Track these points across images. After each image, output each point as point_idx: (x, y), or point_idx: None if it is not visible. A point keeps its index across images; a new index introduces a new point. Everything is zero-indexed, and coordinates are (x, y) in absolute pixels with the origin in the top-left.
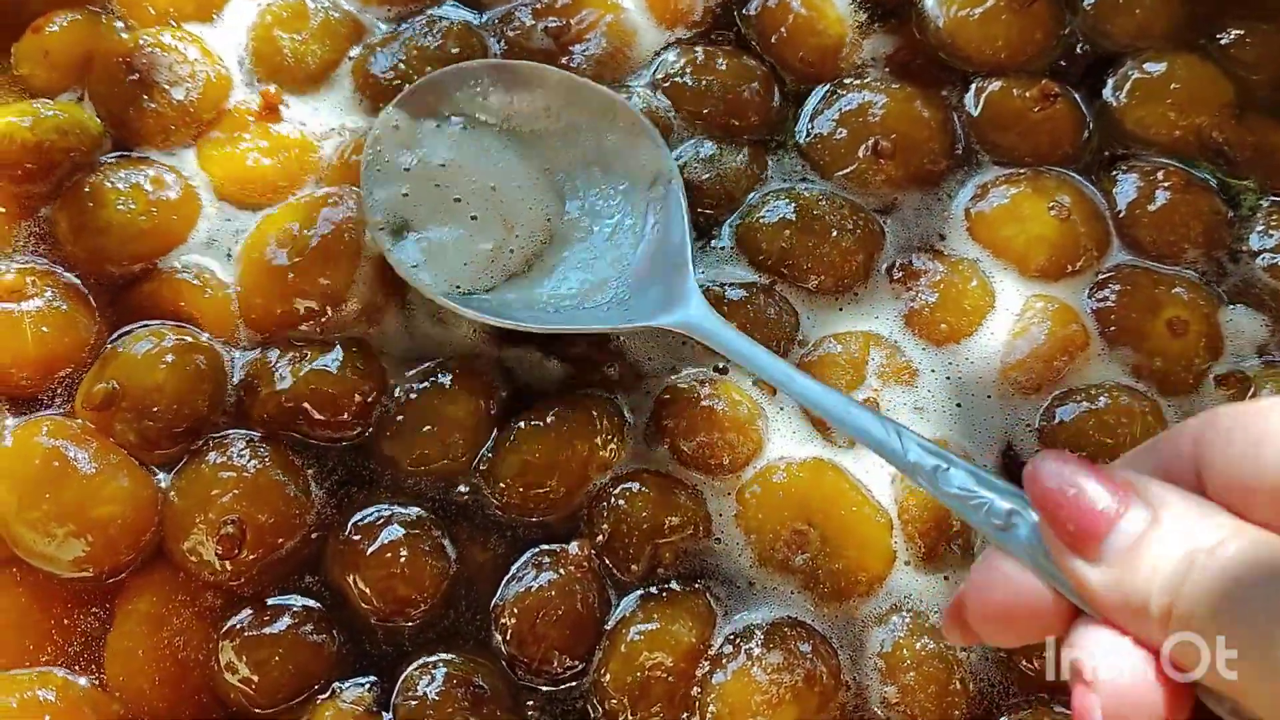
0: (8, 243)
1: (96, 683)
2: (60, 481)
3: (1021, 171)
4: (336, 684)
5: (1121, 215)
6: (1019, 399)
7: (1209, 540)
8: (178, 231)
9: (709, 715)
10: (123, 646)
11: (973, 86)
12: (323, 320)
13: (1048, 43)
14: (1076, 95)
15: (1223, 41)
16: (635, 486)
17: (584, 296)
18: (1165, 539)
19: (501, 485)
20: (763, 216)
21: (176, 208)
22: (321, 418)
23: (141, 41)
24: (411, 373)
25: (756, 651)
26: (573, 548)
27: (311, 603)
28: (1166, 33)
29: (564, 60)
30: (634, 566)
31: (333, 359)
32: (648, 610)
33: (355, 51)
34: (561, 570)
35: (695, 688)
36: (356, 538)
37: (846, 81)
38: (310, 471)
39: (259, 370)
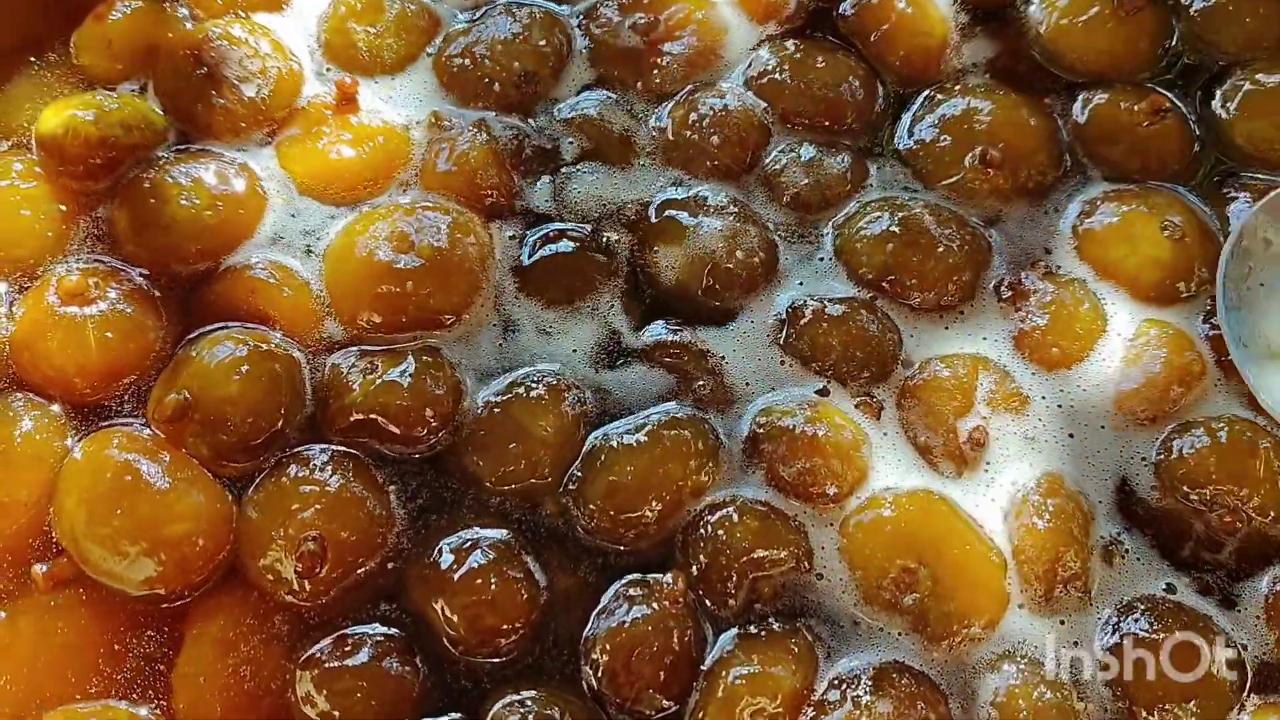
0: (67, 242)
1: (160, 712)
2: (132, 497)
3: (1130, 187)
4: None
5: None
6: (1134, 430)
7: None
8: (245, 226)
9: None
10: (190, 673)
11: (1079, 96)
12: (433, 332)
13: (1153, 52)
14: (1184, 108)
15: None
16: (734, 515)
17: None
18: None
19: (591, 508)
20: (863, 228)
21: (242, 202)
22: (395, 430)
23: (210, 33)
24: (496, 384)
25: (865, 699)
26: (668, 580)
27: (393, 631)
28: (1279, 43)
29: (652, 59)
30: (731, 601)
31: (405, 370)
32: (747, 650)
33: (434, 45)
34: (656, 604)
35: None
36: (442, 561)
37: (949, 86)
38: (392, 489)
39: (331, 381)
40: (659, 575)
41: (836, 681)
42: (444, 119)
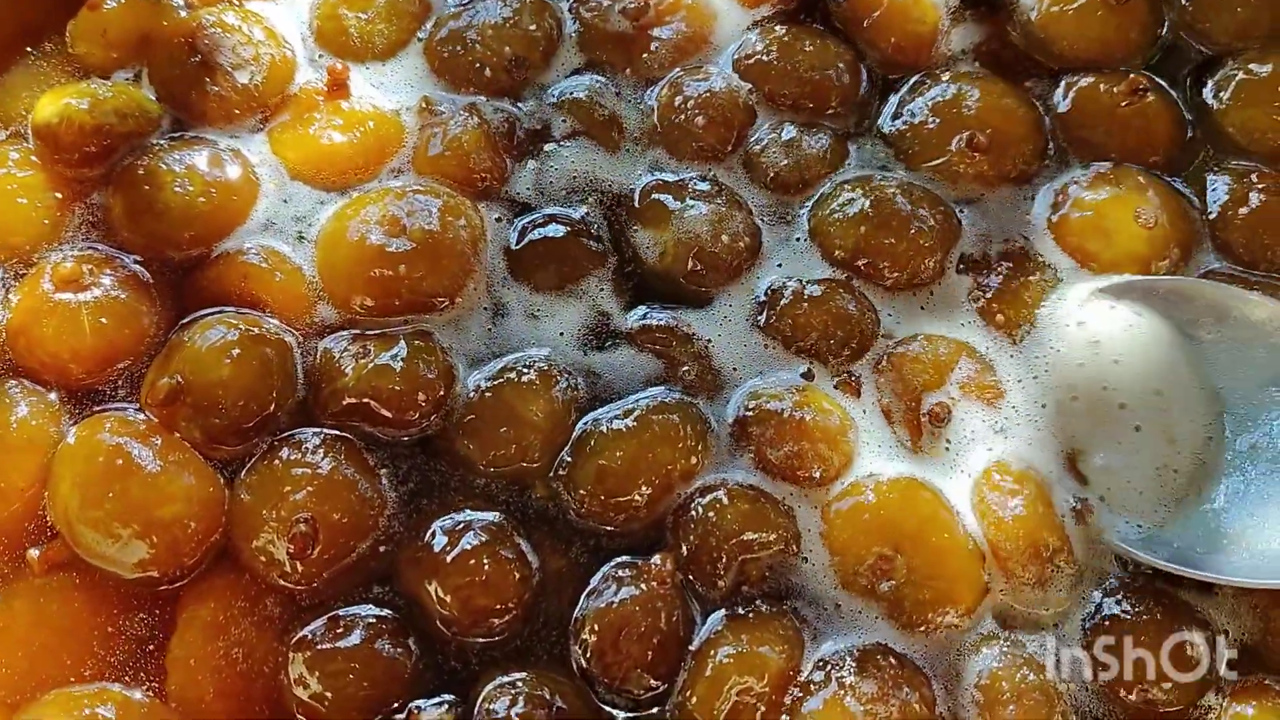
0: (63, 229)
1: (153, 694)
2: (124, 480)
3: (1104, 169)
4: (415, 704)
5: (1213, 218)
6: None
7: None
8: (238, 212)
9: None
10: (184, 656)
11: (1062, 81)
12: (425, 316)
13: (1144, 40)
14: (1175, 95)
15: None
16: (724, 498)
17: None
18: None
19: (581, 492)
20: (834, 210)
21: (235, 188)
22: (387, 414)
23: (204, 21)
24: (488, 369)
25: (849, 680)
26: (656, 561)
27: (385, 612)
28: (1271, 32)
29: (642, 44)
30: (720, 583)
31: (396, 354)
32: (735, 631)
33: (424, 30)
34: (644, 585)
35: (784, 716)
36: (435, 543)
37: (938, 71)
38: (384, 472)
39: (323, 365)
40: (648, 557)
41: (821, 663)
42: (435, 104)
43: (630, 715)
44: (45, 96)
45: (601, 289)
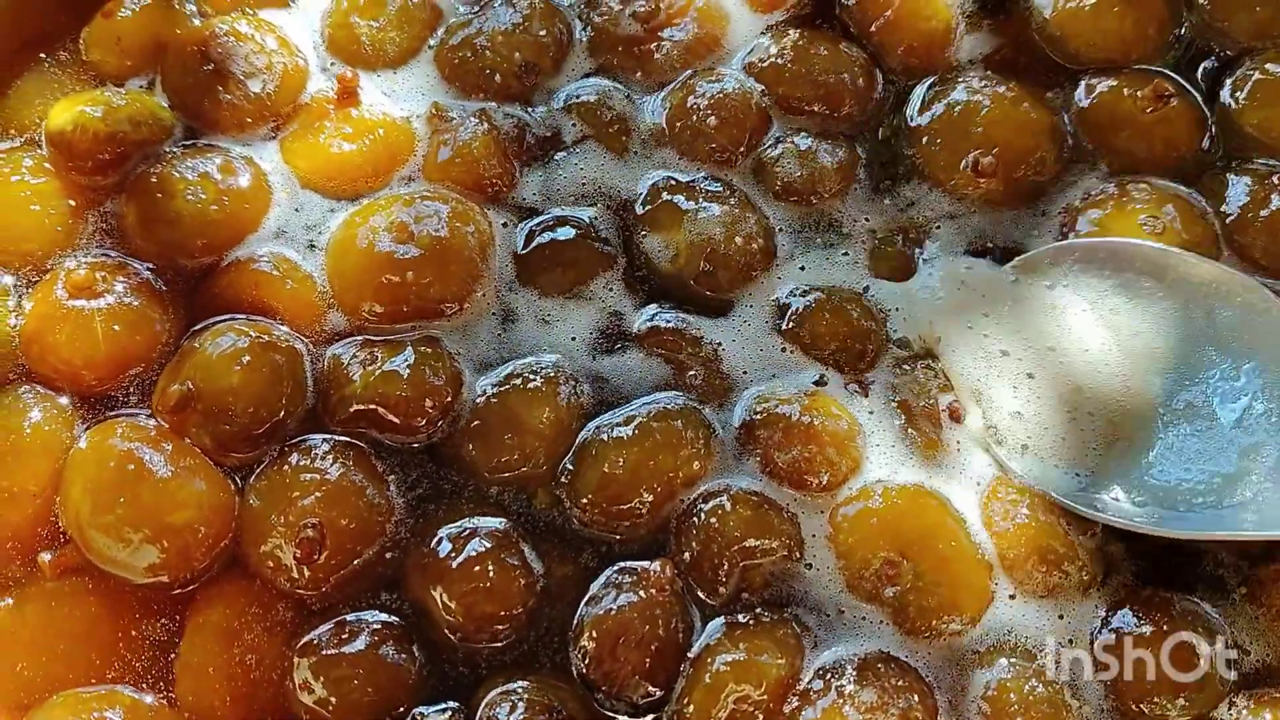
0: (76, 237)
1: (164, 700)
2: (135, 485)
3: (1108, 189)
4: (418, 710)
5: (1231, 221)
6: None
7: None
8: (250, 220)
9: None
10: (193, 661)
11: (1082, 84)
12: (434, 322)
13: (1161, 39)
14: (1196, 96)
15: None
16: (727, 504)
17: (1218, 493)
18: None
19: (584, 500)
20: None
21: (247, 196)
22: (395, 420)
23: (217, 29)
24: (494, 375)
25: (849, 689)
26: (654, 567)
27: (391, 619)
28: None
29: (652, 46)
30: (721, 589)
31: (404, 360)
32: (734, 638)
33: (435, 38)
34: (643, 591)
35: None
36: (441, 549)
37: (950, 79)
38: (392, 479)
39: (332, 372)
40: (647, 563)
41: (822, 671)
42: (445, 110)
43: None
44: (59, 104)
45: (610, 291)
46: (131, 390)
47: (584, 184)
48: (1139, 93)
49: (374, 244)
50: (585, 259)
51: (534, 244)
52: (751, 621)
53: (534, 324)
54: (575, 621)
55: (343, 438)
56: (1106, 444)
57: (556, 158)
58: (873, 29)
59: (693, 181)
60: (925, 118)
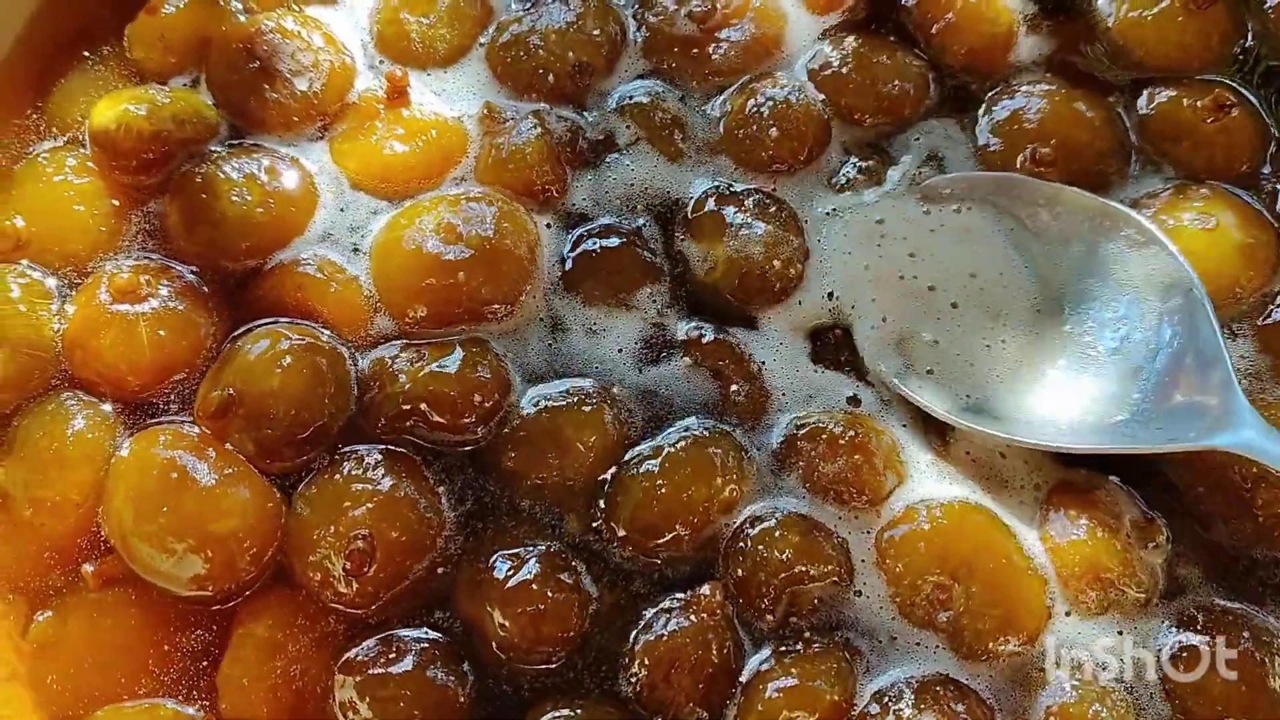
0: (119, 238)
1: (207, 714)
2: (178, 494)
3: (1166, 189)
4: None
5: None
6: None
7: None
8: (295, 223)
9: None
10: (236, 674)
11: (1144, 93)
12: (482, 326)
13: (1225, 49)
14: (1259, 106)
15: None
16: (775, 529)
17: (1099, 414)
18: None
19: (621, 533)
20: None
21: (293, 198)
22: (442, 419)
23: (263, 26)
24: (544, 389)
25: (907, 713)
26: (705, 591)
27: (439, 637)
28: None
29: (709, 48)
30: (770, 615)
31: (453, 358)
32: (785, 663)
33: (486, 35)
34: (694, 616)
35: None
36: (497, 568)
37: (1013, 84)
38: (442, 491)
39: (378, 372)
40: (697, 587)
41: (879, 695)
42: (499, 111)
43: None
44: (103, 102)
45: (654, 301)
46: (173, 397)
47: (633, 189)
48: (1199, 102)
49: (421, 245)
50: (631, 268)
51: (581, 250)
52: (802, 646)
53: (581, 334)
54: (626, 647)
55: (395, 448)
56: (1012, 370)
57: (608, 159)
58: (933, 31)
59: (743, 193)
60: (991, 120)
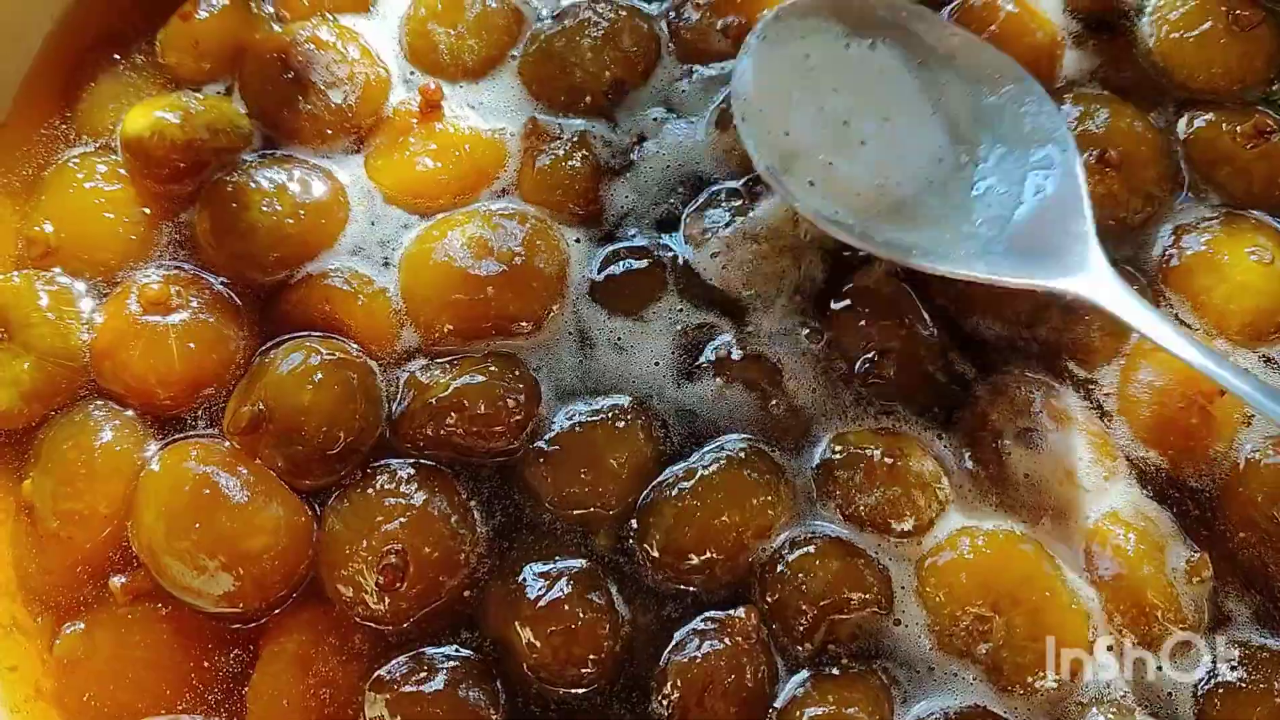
0: (150, 247)
1: None
2: (210, 511)
3: (1215, 216)
4: None
5: None
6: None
7: None
8: (326, 235)
9: None
10: (266, 690)
11: (1183, 118)
12: (511, 340)
13: (1268, 70)
14: None
15: None
16: (814, 554)
17: (963, 248)
18: None
19: (654, 555)
20: None
21: (324, 210)
22: (474, 429)
23: (298, 36)
24: (578, 406)
25: None
26: (740, 614)
27: (470, 654)
28: None
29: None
30: (808, 643)
31: (483, 368)
32: (821, 690)
33: (518, 48)
34: (728, 639)
35: None
36: (529, 585)
37: (1062, 92)
38: (474, 505)
39: (410, 384)
40: (732, 610)
41: None
42: (545, 128)
43: None
44: (135, 109)
45: (684, 312)
46: (204, 410)
47: (668, 169)
48: (1239, 128)
49: (452, 259)
50: (658, 282)
51: (614, 267)
52: (838, 672)
53: (611, 349)
54: (659, 669)
55: (427, 461)
56: (896, 208)
57: (636, 154)
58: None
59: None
60: None
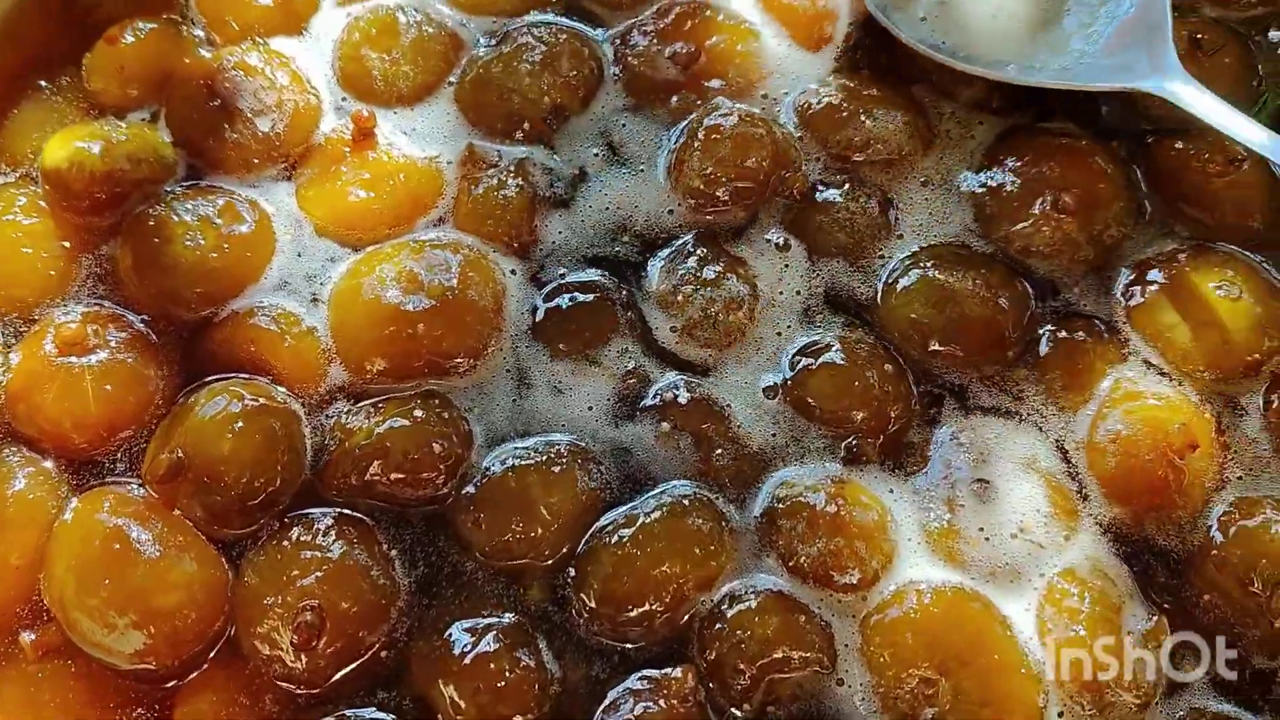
0: (69, 283)
1: None
2: (121, 565)
3: (1182, 249)
4: None
5: None
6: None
7: None
8: (251, 269)
9: None
10: None
11: (1150, 144)
12: (445, 380)
13: (1236, 96)
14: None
15: None
16: (754, 610)
17: (1053, 64)
18: None
19: (590, 606)
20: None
21: (249, 243)
22: (400, 476)
23: (225, 62)
24: (508, 448)
25: None
26: (675, 674)
27: (390, 718)
28: None
29: (693, 98)
30: (746, 704)
31: (411, 413)
32: None
33: (455, 73)
34: (664, 700)
35: None
36: (454, 641)
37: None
38: (395, 554)
39: (334, 429)
40: (668, 670)
41: None
42: (481, 155)
43: None
44: (55, 138)
45: (627, 353)
46: (120, 455)
47: (607, 212)
48: (1207, 156)
49: (380, 295)
50: (601, 321)
51: (551, 304)
52: None
53: (549, 391)
54: None
55: (347, 510)
56: (1001, 33)
57: (580, 192)
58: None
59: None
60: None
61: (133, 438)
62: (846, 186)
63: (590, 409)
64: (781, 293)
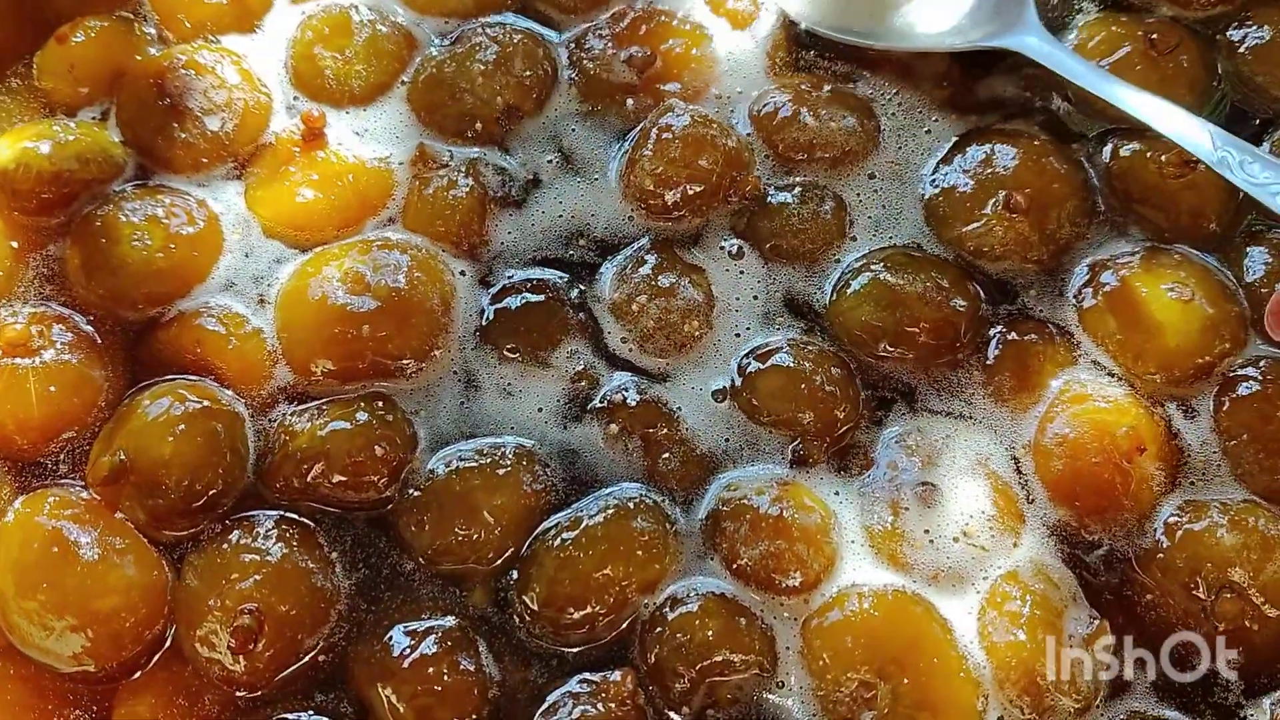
0: (16, 283)
1: None
2: (60, 568)
3: (1135, 251)
4: None
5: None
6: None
7: None
8: (198, 269)
9: None
10: None
11: (1107, 145)
12: (391, 382)
13: (1192, 96)
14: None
15: None
16: (694, 613)
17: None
18: None
19: (533, 609)
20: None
21: (196, 243)
22: (342, 479)
23: (175, 60)
24: (454, 449)
25: None
26: (615, 678)
27: None
28: None
29: (648, 101)
30: (685, 708)
31: (354, 416)
32: None
33: (409, 73)
34: (603, 704)
35: None
36: (394, 644)
37: (981, 132)
38: (335, 556)
39: (277, 431)
40: (608, 673)
41: None
42: (433, 155)
43: None
44: (2, 138)
45: (578, 356)
46: (64, 456)
47: (560, 218)
48: (1163, 157)
49: (326, 296)
50: (551, 322)
51: (501, 304)
52: None
53: (498, 392)
54: None
55: (289, 514)
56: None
57: (533, 196)
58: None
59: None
60: (952, 166)
61: (77, 439)
62: (798, 190)
63: (540, 410)
64: (738, 298)
